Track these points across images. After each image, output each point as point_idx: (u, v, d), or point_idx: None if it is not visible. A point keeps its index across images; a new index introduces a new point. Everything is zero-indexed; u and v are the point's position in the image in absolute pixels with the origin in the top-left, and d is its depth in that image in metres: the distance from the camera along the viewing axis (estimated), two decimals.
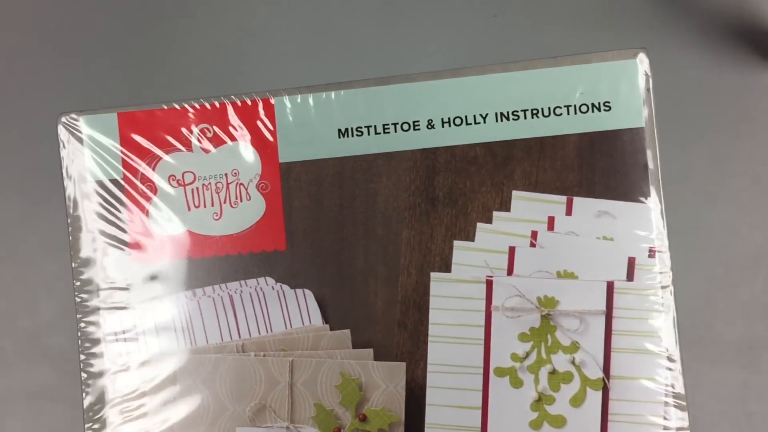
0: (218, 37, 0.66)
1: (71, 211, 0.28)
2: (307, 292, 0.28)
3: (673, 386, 0.26)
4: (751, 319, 0.58)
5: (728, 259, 0.57)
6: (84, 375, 0.28)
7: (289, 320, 0.28)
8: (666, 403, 0.26)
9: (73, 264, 0.28)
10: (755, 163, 0.61)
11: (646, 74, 0.28)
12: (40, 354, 0.60)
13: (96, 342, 0.28)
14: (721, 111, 0.61)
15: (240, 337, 0.28)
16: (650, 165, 0.27)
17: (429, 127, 0.27)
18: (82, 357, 0.28)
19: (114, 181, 0.28)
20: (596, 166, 0.27)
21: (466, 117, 0.27)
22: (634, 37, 0.60)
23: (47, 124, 0.65)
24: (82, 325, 0.28)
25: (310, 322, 0.28)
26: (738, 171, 0.60)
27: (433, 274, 0.27)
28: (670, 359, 0.26)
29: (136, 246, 0.28)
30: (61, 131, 0.28)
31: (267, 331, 0.28)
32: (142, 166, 0.28)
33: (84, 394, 0.28)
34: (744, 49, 0.62)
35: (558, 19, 0.63)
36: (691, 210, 0.59)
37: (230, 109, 0.28)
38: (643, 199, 0.27)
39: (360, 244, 0.27)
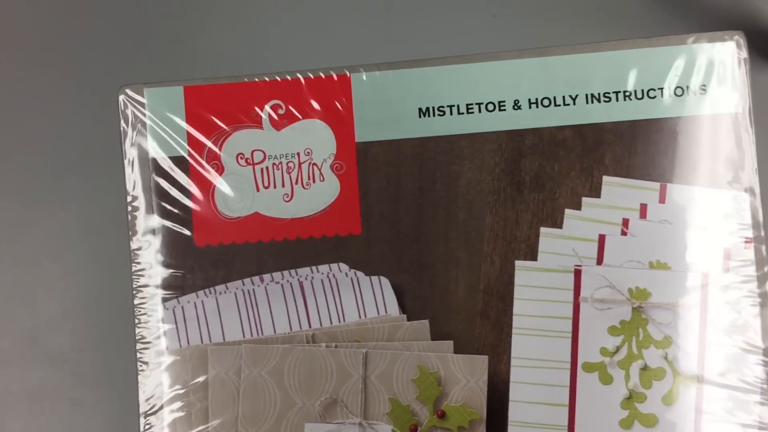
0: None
1: (131, 189, 0.26)
2: (383, 279, 0.26)
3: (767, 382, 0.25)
4: None
5: None
6: (140, 365, 0.26)
7: (364, 309, 0.26)
8: (762, 403, 0.25)
9: (131, 245, 0.26)
10: (758, 164, 0.65)
11: (743, 58, 0.27)
12: (40, 354, 0.59)
13: (153, 329, 0.26)
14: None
15: (310, 327, 0.26)
16: (746, 152, 0.26)
17: (515, 107, 0.26)
18: (139, 346, 0.26)
19: (178, 159, 0.26)
20: (691, 151, 0.26)
21: (554, 98, 0.26)
22: (633, 35, 0.62)
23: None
24: (139, 311, 0.26)
25: (386, 312, 0.26)
26: None
27: (518, 263, 0.26)
28: (766, 355, 0.25)
29: (199, 227, 0.26)
30: (123, 104, 0.27)
31: (339, 321, 0.26)
32: (209, 143, 0.26)
33: (139, 386, 0.26)
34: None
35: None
36: None
37: (304, 85, 0.26)
38: (738, 187, 0.26)
39: (440, 229, 0.26)
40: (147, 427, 0.26)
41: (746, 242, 0.26)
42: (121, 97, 0.27)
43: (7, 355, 0.60)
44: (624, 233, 0.26)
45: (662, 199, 0.26)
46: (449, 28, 0.60)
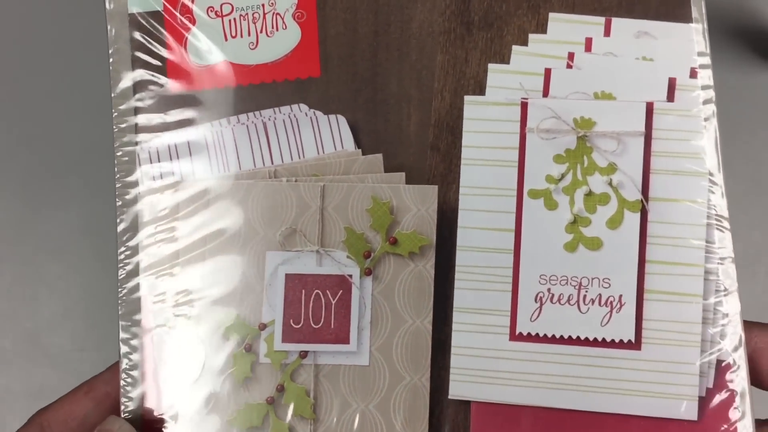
0: None
1: (113, 43, 0.29)
2: (340, 117, 0.28)
3: (715, 208, 0.25)
4: None
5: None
6: (119, 202, 0.28)
7: (322, 146, 0.28)
8: (708, 225, 0.25)
9: (111, 94, 0.29)
10: (753, 164, 0.60)
11: None
12: (41, 354, 0.59)
13: (130, 170, 0.28)
14: (718, 110, 0.62)
15: (273, 164, 0.28)
16: None
17: None
18: (118, 185, 0.28)
19: (154, 13, 0.28)
20: None
21: None
22: None
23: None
24: (119, 153, 0.28)
25: (343, 148, 0.28)
26: (736, 172, 0.59)
27: (466, 97, 0.27)
28: (712, 181, 0.25)
29: (174, 75, 0.28)
30: None
31: (299, 158, 0.28)
32: None
33: (118, 221, 0.28)
34: (742, 48, 0.61)
35: None
36: None
37: None
38: (684, 18, 0.26)
39: (394, 69, 0.27)
40: (125, 254, 0.28)
41: (692, 72, 0.26)
42: None
43: (7, 355, 0.60)
44: (569, 66, 0.26)
45: (607, 33, 0.26)
46: None
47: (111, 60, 0.29)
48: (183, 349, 0.27)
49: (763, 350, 0.26)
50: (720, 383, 0.25)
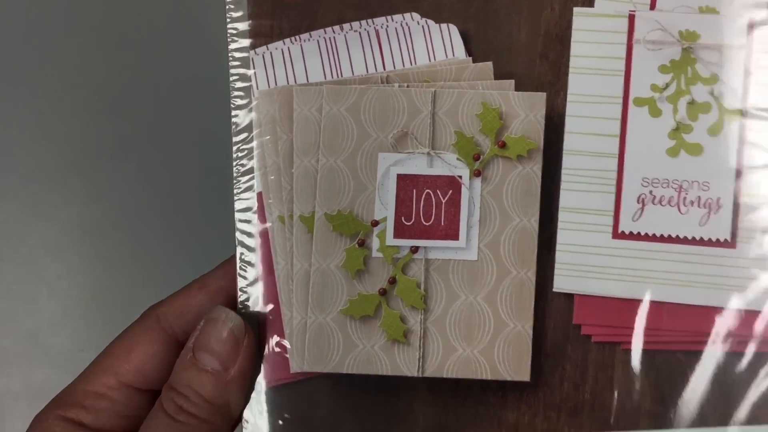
0: None
1: None
2: (452, 26, 0.29)
3: None
4: None
5: None
6: (233, 105, 0.29)
7: (434, 53, 0.29)
8: None
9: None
10: None
11: None
12: (41, 354, 0.59)
13: (244, 75, 0.29)
14: None
15: (385, 70, 0.29)
16: None
17: None
18: (232, 90, 0.29)
19: None
20: None
21: None
22: None
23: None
24: (232, 58, 0.29)
25: (454, 56, 0.29)
26: None
27: (576, 9, 0.28)
28: None
29: None
30: None
31: (411, 64, 0.29)
32: None
33: (233, 124, 0.29)
34: None
35: None
36: None
37: None
38: None
39: None
40: (239, 153, 0.29)
41: None
42: None
43: (7, 355, 0.60)
44: None
45: None
46: None
47: None
48: (296, 244, 0.29)
49: None
50: None
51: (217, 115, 0.62)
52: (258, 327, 0.29)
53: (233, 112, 0.29)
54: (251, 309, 0.29)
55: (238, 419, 0.30)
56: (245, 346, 0.28)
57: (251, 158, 0.29)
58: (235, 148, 0.29)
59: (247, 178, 0.29)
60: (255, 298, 0.29)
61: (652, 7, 0.28)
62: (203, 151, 0.62)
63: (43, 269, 0.60)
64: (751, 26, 0.27)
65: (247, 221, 0.29)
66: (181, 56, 0.64)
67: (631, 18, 0.28)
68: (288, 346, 0.28)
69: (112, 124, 0.64)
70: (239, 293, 0.29)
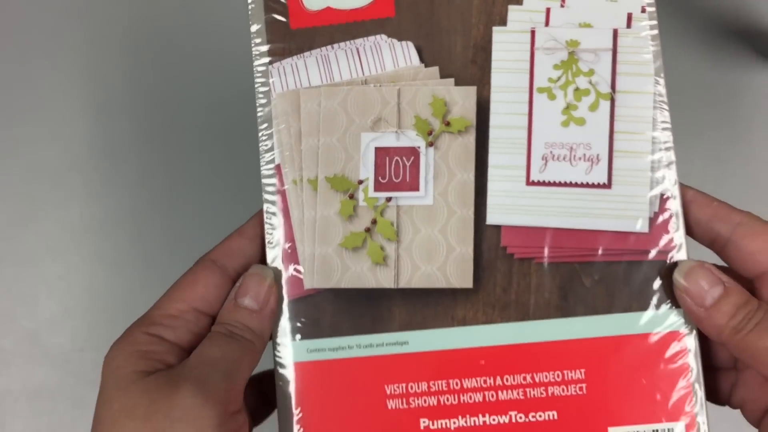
0: None
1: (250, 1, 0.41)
2: (410, 43, 0.40)
3: (660, 96, 0.38)
4: None
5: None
6: (258, 104, 0.40)
7: (397, 62, 0.40)
8: (654, 107, 0.38)
9: (251, 31, 0.41)
10: (753, 164, 0.61)
11: None
12: (41, 354, 0.58)
13: (265, 82, 0.40)
14: (718, 110, 0.62)
15: (362, 75, 0.40)
16: None
17: None
18: (258, 94, 0.40)
19: None
20: None
21: None
22: None
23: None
24: (257, 73, 0.40)
25: (411, 63, 0.40)
26: (736, 171, 0.60)
27: (494, 28, 0.39)
28: (656, 80, 0.38)
29: (293, 17, 0.40)
30: None
31: (381, 70, 0.40)
32: None
33: (258, 119, 0.40)
34: (742, 48, 0.63)
35: None
36: None
37: None
38: None
39: (444, 11, 0.40)
40: (263, 138, 0.40)
41: (642, 9, 0.39)
42: None
43: (7, 355, 0.58)
44: (563, 5, 0.39)
45: None
46: None
47: (251, 6, 0.41)
48: (305, 199, 0.40)
49: (690, 202, 0.38)
50: (662, 209, 0.38)
51: (217, 116, 0.63)
52: (281, 276, 0.39)
53: (258, 109, 0.41)
54: (275, 249, 0.40)
55: (268, 341, 0.40)
56: (274, 291, 0.38)
57: (272, 140, 0.40)
58: (260, 134, 0.40)
59: (269, 155, 0.40)
60: (278, 239, 0.40)
61: (547, 24, 0.39)
62: (203, 150, 0.63)
63: (43, 269, 0.59)
64: (615, 35, 0.39)
65: (272, 184, 0.40)
66: (183, 58, 0.64)
67: (533, 32, 0.39)
68: (302, 270, 0.39)
69: (112, 125, 0.63)
70: (267, 235, 0.40)
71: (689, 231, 0.38)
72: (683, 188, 0.38)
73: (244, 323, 0.37)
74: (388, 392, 0.38)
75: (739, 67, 0.62)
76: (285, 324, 0.39)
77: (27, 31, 0.64)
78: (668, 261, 0.38)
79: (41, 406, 0.58)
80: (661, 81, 0.38)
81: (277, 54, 0.40)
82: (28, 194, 0.60)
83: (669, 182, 0.38)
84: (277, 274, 0.39)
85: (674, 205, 0.38)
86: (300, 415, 0.38)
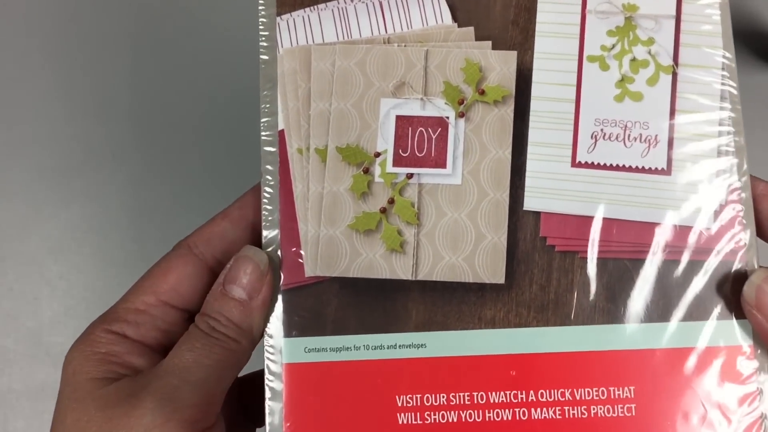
0: None
1: None
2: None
3: (727, 75, 0.33)
4: None
5: None
6: (262, 60, 0.35)
7: (426, 20, 0.35)
8: (722, 85, 0.33)
9: None
10: (753, 164, 0.64)
11: None
12: (43, 353, 0.59)
13: (271, 36, 0.35)
14: None
15: (386, 33, 0.35)
16: None
17: None
18: (261, 50, 0.35)
19: None
20: None
21: None
22: None
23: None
24: (261, 26, 0.35)
25: (443, 22, 0.35)
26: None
27: None
28: (724, 56, 0.33)
29: None
30: None
31: (408, 29, 0.35)
32: None
33: (261, 77, 0.35)
34: (741, 50, 0.62)
35: None
36: None
37: None
38: None
39: None
40: (265, 99, 0.34)
41: None
42: None
43: (9, 354, 0.59)
44: None
45: None
46: None
47: None
48: (312, 171, 0.34)
49: (762, 196, 0.33)
50: (729, 201, 0.33)
51: (218, 116, 0.65)
52: (279, 263, 0.34)
53: (261, 66, 0.35)
54: (272, 229, 0.34)
55: (259, 339, 0.34)
56: (268, 279, 0.33)
57: (275, 103, 0.35)
58: (262, 94, 0.35)
59: (271, 119, 0.35)
60: (276, 216, 0.34)
61: None
62: (203, 150, 0.64)
63: (44, 268, 0.60)
64: (679, 1, 0.34)
65: (272, 153, 0.35)
66: (183, 56, 0.66)
67: None
68: (303, 254, 0.34)
69: (113, 125, 0.65)
70: (263, 212, 0.34)
71: (760, 230, 0.33)
72: (754, 180, 0.33)
73: (229, 317, 0.32)
74: (400, 404, 0.32)
75: (738, 67, 0.61)
76: (278, 317, 0.33)
77: (27, 31, 0.65)
78: (735, 263, 0.32)
79: (43, 405, 0.58)
80: (730, 55, 0.33)
81: (286, 4, 0.35)
82: (30, 194, 0.61)
83: (737, 172, 0.33)
84: (274, 258, 0.33)
85: (743, 199, 0.33)
86: (290, 427, 0.32)
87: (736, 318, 0.32)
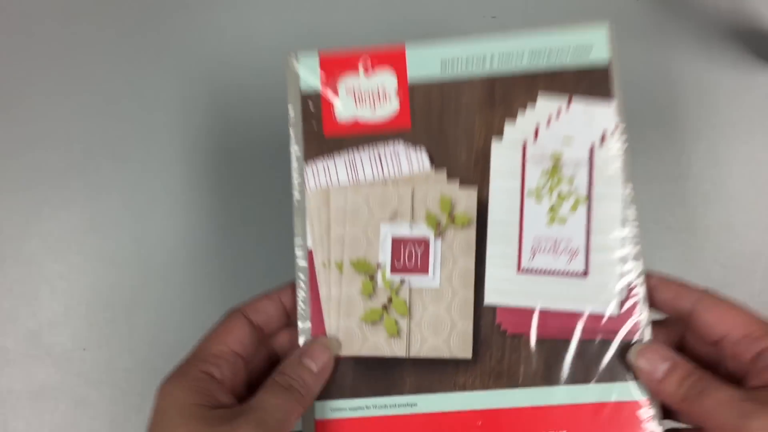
0: None
1: (292, 115, 0.48)
2: (423, 150, 0.48)
3: (628, 201, 0.45)
4: None
5: (725, 259, 0.60)
6: (295, 196, 0.48)
7: (412, 167, 0.48)
8: (624, 207, 0.45)
9: (292, 137, 0.48)
10: (753, 164, 0.60)
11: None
12: (43, 353, 0.58)
13: (301, 177, 0.48)
14: (717, 111, 0.62)
15: (383, 176, 0.48)
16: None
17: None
18: (295, 188, 0.48)
19: (316, 94, 0.48)
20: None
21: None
22: (632, 37, 0.62)
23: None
24: (294, 173, 0.48)
25: (424, 168, 0.48)
26: (735, 172, 0.61)
27: (493, 141, 0.46)
28: (626, 187, 0.46)
29: (326, 127, 0.48)
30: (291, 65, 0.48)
31: (398, 173, 0.48)
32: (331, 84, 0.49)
33: (294, 211, 0.48)
34: (741, 50, 0.62)
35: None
36: (689, 209, 0.60)
37: (379, 53, 0.49)
38: (608, 95, 0.46)
39: (452, 126, 0.47)
40: (298, 225, 0.47)
41: (615, 128, 0.46)
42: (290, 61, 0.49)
43: (9, 354, 0.58)
44: (548, 125, 0.47)
45: (568, 105, 0.47)
46: (448, 30, 0.63)
47: (291, 116, 0.49)
48: (332, 279, 0.47)
49: (654, 287, 0.45)
50: (629, 295, 0.45)
51: (219, 116, 0.63)
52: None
53: (295, 202, 0.48)
54: (306, 322, 0.47)
55: (314, 401, 0.44)
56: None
57: (305, 228, 0.48)
58: (294, 221, 0.48)
59: (301, 240, 0.47)
60: (306, 312, 0.47)
61: (536, 138, 0.47)
62: (202, 150, 0.62)
63: (44, 269, 0.59)
64: (592, 148, 0.47)
65: (303, 267, 0.47)
66: (188, 56, 0.63)
67: (524, 145, 0.47)
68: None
69: (113, 125, 0.62)
70: (299, 309, 0.47)
71: (658, 308, 0.45)
72: (648, 276, 0.45)
73: (304, 380, 0.42)
74: None
75: (738, 68, 0.62)
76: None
77: (27, 32, 0.63)
78: (634, 338, 0.45)
79: (43, 405, 0.58)
80: (629, 186, 0.46)
81: (311, 156, 0.48)
82: (30, 194, 0.61)
83: (635, 273, 0.45)
84: (335, 347, 0.45)
85: (640, 293, 0.45)
86: None
87: (636, 379, 0.44)
